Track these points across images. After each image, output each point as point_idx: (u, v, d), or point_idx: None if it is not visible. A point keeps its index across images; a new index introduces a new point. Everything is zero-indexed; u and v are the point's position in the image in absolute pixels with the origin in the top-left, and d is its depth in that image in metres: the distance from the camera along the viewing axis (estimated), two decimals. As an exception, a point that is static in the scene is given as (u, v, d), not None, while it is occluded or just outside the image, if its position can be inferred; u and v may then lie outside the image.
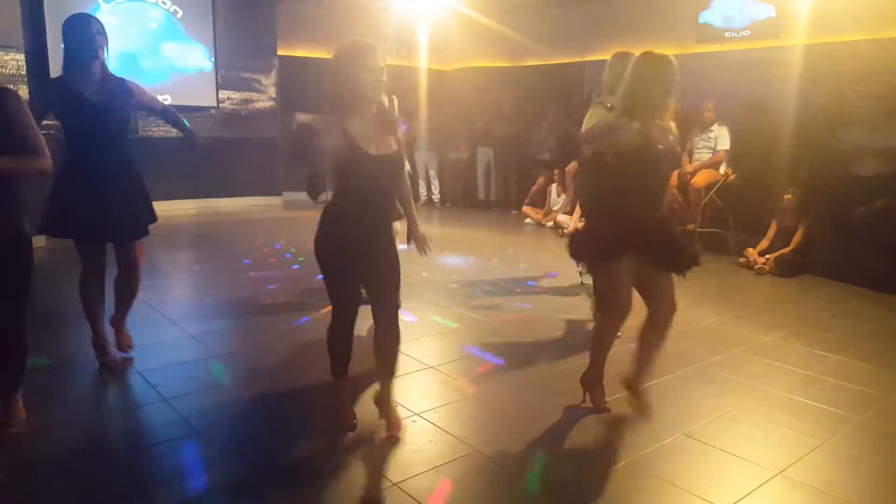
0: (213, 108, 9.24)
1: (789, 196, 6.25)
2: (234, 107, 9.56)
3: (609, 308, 3.09)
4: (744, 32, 7.51)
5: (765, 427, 3.06)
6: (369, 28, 9.64)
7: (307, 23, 9.87)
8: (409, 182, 2.99)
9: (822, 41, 6.71)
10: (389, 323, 2.84)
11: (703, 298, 5.30)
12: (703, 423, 3.05)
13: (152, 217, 3.55)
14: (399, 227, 3.56)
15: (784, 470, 2.66)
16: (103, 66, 3.31)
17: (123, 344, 3.70)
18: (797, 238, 6.13)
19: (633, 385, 3.16)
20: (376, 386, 2.98)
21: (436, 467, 2.63)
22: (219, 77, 9.25)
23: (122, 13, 8.30)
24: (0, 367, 2.83)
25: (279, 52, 9.87)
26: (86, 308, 3.51)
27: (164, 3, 8.64)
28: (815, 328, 4.55)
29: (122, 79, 3.40)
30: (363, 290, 2.87)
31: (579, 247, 3.15)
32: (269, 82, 9.85)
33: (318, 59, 10.02)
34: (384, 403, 2.93)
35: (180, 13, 8.81)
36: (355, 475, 2.59)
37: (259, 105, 9.78)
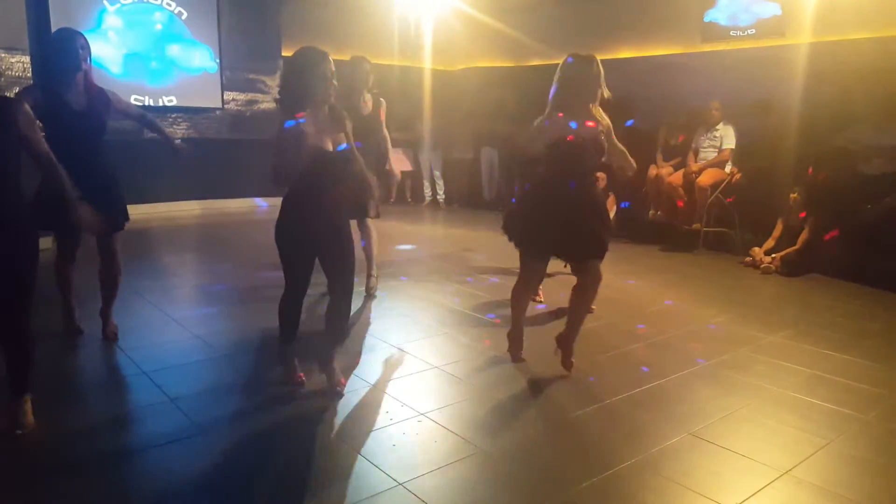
0: (218, 109, 9.24)
1: (795, 195, 6.23)
2: (240, 108, 9.57)
3: (522, 274, 3.68)
4: (749, 31, 7.49)
5: (771, 427, 3.05)
6: (373, 28, 9.65)
7: (312, 24, 9.87)
8: (362, 165, 3.32)
9: (828, 40, 6.68)
10: (341, 297, 3.27)
11: (708, 298, 5.29)
12: (709, 423, 3.04)
13: (125, 216, 3.90)
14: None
15: (790, 470, 2.65)
16: (86, 77, 3.65)
17: (110, 332, 3.98)
18: (803, 237, 6.10)
19: (560, 341, 3.65)
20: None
21: (441, 467, 2.63)
22: (224, 78, 9.25)
23: (127, 15, 8.32)
24: (8, 365, 2.84)
25: (284, 54, 9.88)
26: (60, 286, 3.94)
27: (168, 4, 8.65)
28: (821, 327, 4.53)
29: (102, 88, 3.76)
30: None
31: (509, 225, 3.65)
32: (274, 83, 9.83)
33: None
34: (327, 364, 3.32)
35: (185, 14, 8.82)
36: (361, 477, 2.59)
37: (264, 106, 9.78)
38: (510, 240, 3.65)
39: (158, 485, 2.52)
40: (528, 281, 3.73)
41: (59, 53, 3.55)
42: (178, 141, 4.24)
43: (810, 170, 6.34)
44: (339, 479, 2.56)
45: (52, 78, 3.59)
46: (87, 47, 3.63)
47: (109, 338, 3.97)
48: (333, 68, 3.07)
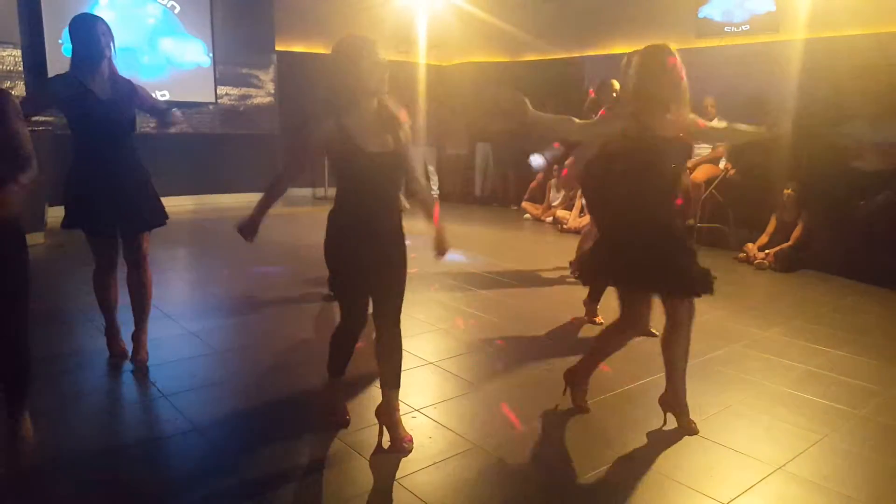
0: (211, 103, 9.21)
1: (789, 191, 6.24)
2: (233, 102, 9.53)
3: (623, 321, 2.95)
4: (743, 27, 7.49)
5: (765, 422, 3.05)
6: (368, 23, 9.60)
7: (305, 18, 9.83)
8: (423, 181, 2.88)
9: (822, 36, 6.69)
10: (391, 330, 2.73)
11: (702, 294, 5.30)
12: (703, 419, 3.05)
13: (162, 215, 3.56)
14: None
15: (784, 465, 2.66)
16: (111, 65, 3.35)
17: (139, 358, 3.54)
18: (797, 233, 6.12)
19: (672, 404, 2.98)
20: (377, 393, 2.90)
21: (435, 463, 2.63)
22: (217, 73, 9.21)
23: (120, 9, 8.27)
24: (5, 378, 2.60)
25: (277, 48, 9.84)
26: (99, 300, 3.58)
27: (161, -2, 8.61)
28: (814, 323, 4.55)
29: (127, 78, 3.45)
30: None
31: (591, 269, 3.05)
32: (268, 78, 9.81)
33: (316, 54, 9.99)
34: (387, 415, 2.76)
35: (178, 9, 8.78)
36: (355, 472, 2.58)
37: (257, 101, 9.75)
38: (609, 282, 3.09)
39: (152, 481, 2.52)
40: (626, 325, 2.96)
41: (80, 41, 3.28)
42: (175, 111, 3.86)
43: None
44: (334, 476, 2.55)
45: (76, 67, 3.30)
46: (108, 33, 3.35)
47: (137, 363, 3.53)
48: (385, 58, 2.56)
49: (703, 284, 2.78)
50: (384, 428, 2.77)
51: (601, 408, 3.18)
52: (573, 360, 3.67)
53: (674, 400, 2.97)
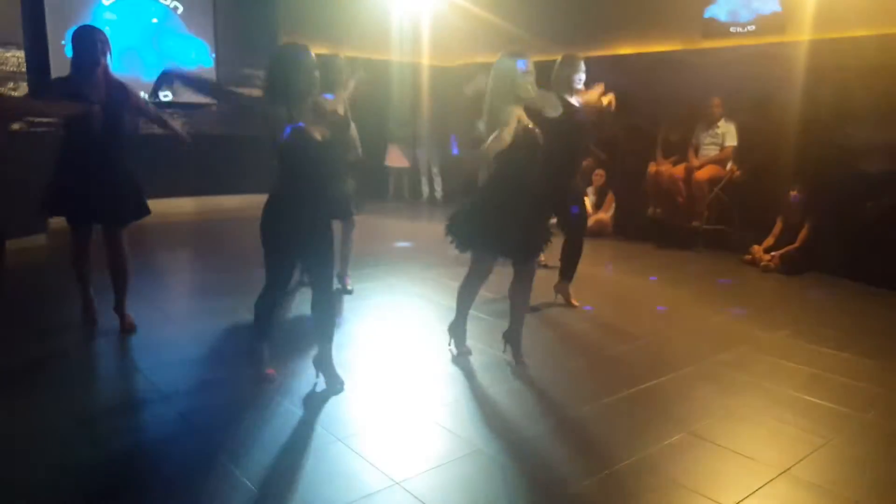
0: (213, 104, 9.19)
1: (794, 191, 6.20)
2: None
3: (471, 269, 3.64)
4: (749, 27, 7.45)
5: (770, 425, 3.02)
6: (370, 24, 9.60)
7: (308, 19, 9.81)
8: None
9: (829, 37, 6.64)
10: (328, 291, 3.28)
11: (707, 296, 5.27)
12: (708, 422, 3.02)
13: (141, 210, 4.03)
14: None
15: (789, 468, 2.63)
16: (105, 71, 3.79)
17: (127, 326, 4.04)
18: (803, 235, 6.08)
19: (508, 336, 3.67)
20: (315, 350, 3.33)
21: (437, 466, 2.61)
22: (219, 73, 9.20)
23: (123, 9, 8.26)
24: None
25: (281, 49, 9.83)
26: (78, 277, 4.06)
27: (165, -1, 8.61)
28: (820, 326, 4.51)
29: (122, 82, 3.89)
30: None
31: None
32: (271, 79, 9.79)
33: (318, 55, 9.97)
34: (324, 364, 3.30)
35: (181, 9, 8.77)
36: (356, 473, 2.56)
37: (261, 102, 9.75)
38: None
39: (152, 481, 2.50)
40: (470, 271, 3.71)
41: (79, 50, 3.72)
42: (185, 133, 4.32)
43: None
44: (335, 478, 2.53)
45: (75, 71, 3.74)
46: (106, 42, 3.79)
47: (127, 331, 4.03)
48: (314, 60, 3.12)
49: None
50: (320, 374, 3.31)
51: (606, 411, 3.15)
52: (576, 360, 3.65)
53: (514, 335, 3.66)
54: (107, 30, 3.99)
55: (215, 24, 9.07)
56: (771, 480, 2.55)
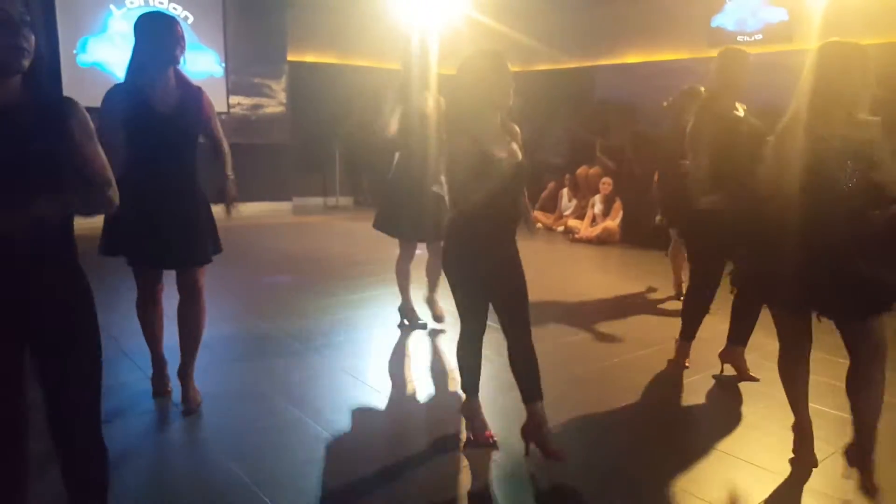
0: (223, 113, 9.26)
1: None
2: (245, 112, 9.59)
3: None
4: (756, 36, 7.47)
5: (779, 434, 3.01)
6: (379, 33, 9.65)
7: (317, 29, 9.90)
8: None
9: (836, 45, 6.65)
10: (524, 339, 2.69)
11: (716, 303, 5.24)
12: (717, 430, 3.02)
13: (216, 246, 3.19)
14: None
15: (798, 477, 2.62)
16: (178, 73, 2.94)
17: (190, 400, 3.14)
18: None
19: (853, 456, 2.64)
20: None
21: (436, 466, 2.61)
22: (229, 83, 9.29)
23: (134, 19, 8.33)
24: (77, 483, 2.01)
25: (289, 58, 9.90)
26: (144, 332, 3.26)
27: (174, 8, 8.68)
28: (829, 334, 4.43)
29: (198, 87, 3.02)
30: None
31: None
32: (280, 88, 9.88)
33: (328, 64, 10.05)
34: (540, 429, 2.70)
35: (191, 19, 8.85)
36: (355, 473, 2.57)
37: (269, 110, 9.81)
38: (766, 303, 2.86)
39: (156, 488, 2.51)
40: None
41: (147, 42, 2.83)
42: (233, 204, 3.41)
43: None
44: (335, 479, 2.54)
45: (134, 72, 2.87)
46: (183, 36, 2.90)
47: (189, 406, 3.12)
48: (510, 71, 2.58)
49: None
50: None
51: (613, 420, 3.15)
52: (581, 366, 3.64)
53: (860, 456, 2.59)
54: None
55: (225, 34, 9.16)
56: (779, 489, 2.54)
